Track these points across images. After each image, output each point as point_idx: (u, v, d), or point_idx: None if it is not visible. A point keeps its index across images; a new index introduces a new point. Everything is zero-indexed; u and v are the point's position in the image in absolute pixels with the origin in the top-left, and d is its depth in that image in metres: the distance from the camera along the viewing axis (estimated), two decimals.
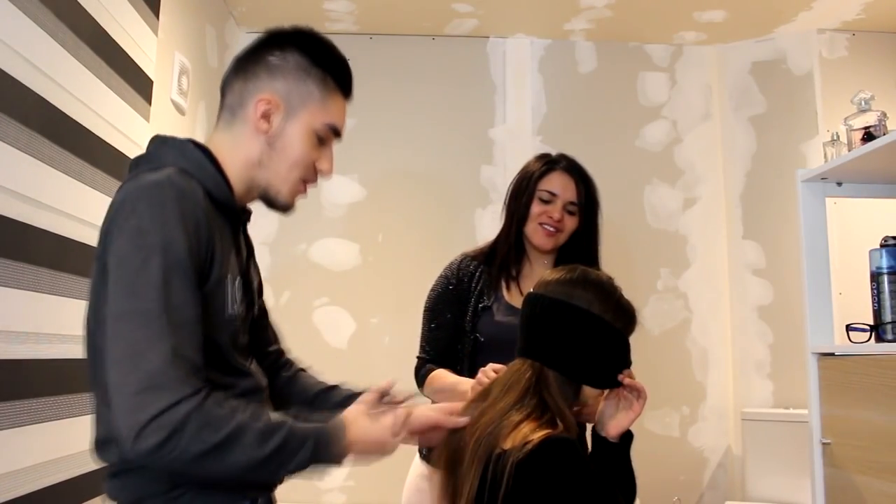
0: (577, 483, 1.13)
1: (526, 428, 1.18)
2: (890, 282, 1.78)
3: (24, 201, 1.43)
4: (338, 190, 3.12)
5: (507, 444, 1.18)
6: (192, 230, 0.98)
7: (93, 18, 1.72)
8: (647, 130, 3.24)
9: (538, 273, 1.86)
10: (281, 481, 1.13)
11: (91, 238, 1.71)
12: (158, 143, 1.11)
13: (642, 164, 3.22)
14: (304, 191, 1.18)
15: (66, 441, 1.60)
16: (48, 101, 1.52)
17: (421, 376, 1.81)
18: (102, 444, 1.04)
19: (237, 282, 1.09)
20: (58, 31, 1.56)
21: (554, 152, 1.91)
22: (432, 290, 1.88)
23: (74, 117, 1.64)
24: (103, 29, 1.78)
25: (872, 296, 1.81)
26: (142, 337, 0.92)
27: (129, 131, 1.94)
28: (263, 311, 1.32)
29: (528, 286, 1.83)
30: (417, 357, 1.85)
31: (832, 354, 1.86)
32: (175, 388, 0.92)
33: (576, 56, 3.27)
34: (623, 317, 1.29)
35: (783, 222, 2.99)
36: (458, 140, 3.19)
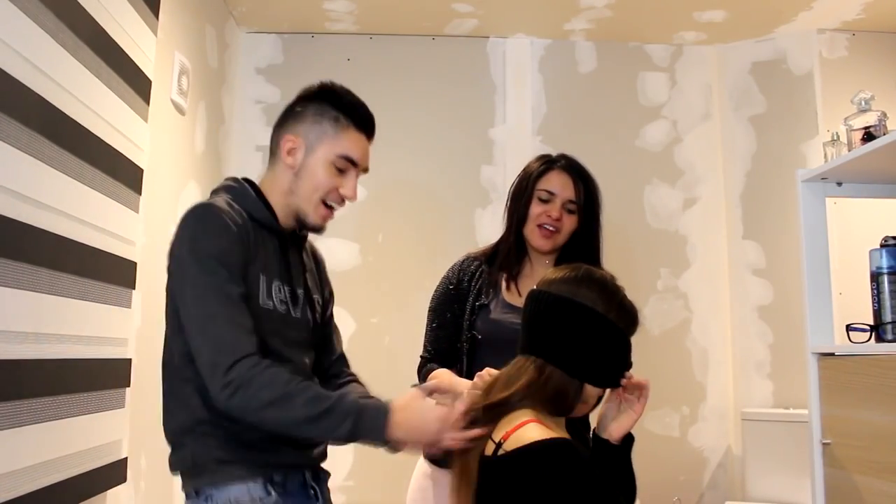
0: (576, 485, 1.12)
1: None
2: (890, 282, 1.78)
3: (24, 201, 1.43)
4: None
5: (509, 444, 1.18)
6: (229, 236, 1.28)
7: (93, 18, 1.72)
8: (647, 130, 3.25)
9: (538, 273, 1.85)
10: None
11: (91, 238, 1.71)
12: (226, 181, 1.42)
13: (642, 164, 3.21)
14: (331, 214, 1.42)
15: (66, 441, 1.60)
16: (48, 101, 1.52)
17: (422, 376, 1.83)
18: (164, 427, 1.34)
19: (276, 284, 1.35)
20: (58, 31, 1.56)
21: (555, 153, 1.91)
22: (435, 290, 1.90)
23: (74, 117, 1.64)
24: (103, 29, 1.78)
25: (872, 296, 1.81)
26: (205, 314, 1.23)
27: (128, 131, 1.94)
28: (327, 321, 1.59)
29: (528, 286, 1.82)
30: (420, 356, 1.87)
31: (832, 354, 1.86)
32: (236, 349, 1.21)
33: (576, 56, 3.27)
34: (626, 317, 1.29)
35: (783, 222, 2.99)
36: (458, 140, 3.19)
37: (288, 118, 1.43)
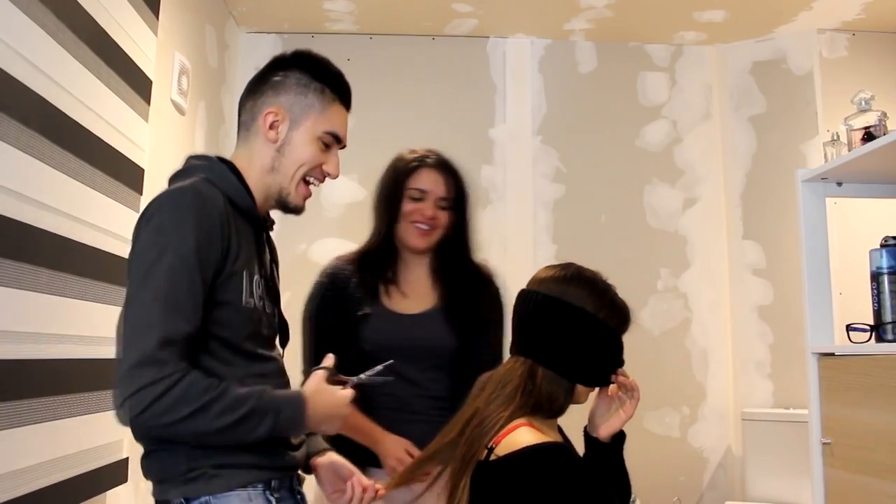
0: (570, 490, 1.12)
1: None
2: (890, 282, 1.77)
3: (25, 201, 1.43)
4: (337, 190, 3.11)
5: (501, 449, 1.17)
6: (205, 230, 1.15)
7: (93, 18, 1.72)
8: (647, 130, 3.24)
9: (415, 274, 1.80)
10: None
11: (91, 238, 1.71)
12: (191, 159, 1.29)
13: (642, 164, 3.21)
14: (310, 192, 1.33)
15: (66, 441, 1.60)
16: (48, 101, 1.52)
17: None
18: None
19: (255, 279, 1.25)
20: (58, 31, 1.56)
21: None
22: (309, 298, 1.79)
23: (74, 117, 1.64)
24: (103, 29, 1.78)
25: (872, 296, 1.81)
26: (143, 321, 1.10)
27: (128, 131, 1.94)
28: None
29: (408, 288, 1.77)
30: (302, 373, 1.68)
31: (832, 354, 1.86)
32: (159, 368, 1.08)
33: (576, 56, 3.27)
34: (617, 315, 1.28)
35: (783, 222, 2.99)
36: (458, 140, 3.18)
37: (265, 88, 1.31)
